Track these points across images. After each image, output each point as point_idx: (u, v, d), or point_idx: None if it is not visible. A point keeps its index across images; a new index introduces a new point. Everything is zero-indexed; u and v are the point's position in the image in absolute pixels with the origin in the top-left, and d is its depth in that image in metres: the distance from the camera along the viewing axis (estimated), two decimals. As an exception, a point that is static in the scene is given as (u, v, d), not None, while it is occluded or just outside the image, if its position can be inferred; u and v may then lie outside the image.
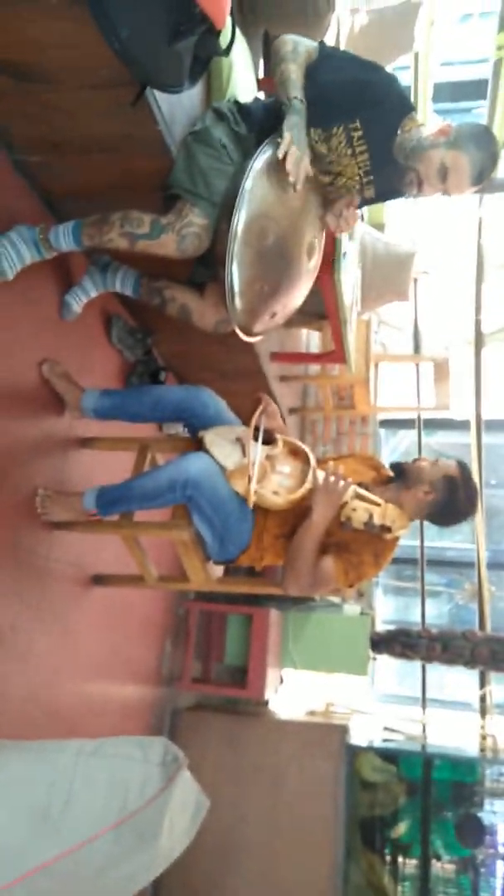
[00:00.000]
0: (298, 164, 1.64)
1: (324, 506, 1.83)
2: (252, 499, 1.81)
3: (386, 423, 4.70)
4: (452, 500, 1.90)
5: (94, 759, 1.37)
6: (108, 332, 2.45)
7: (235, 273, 1.65)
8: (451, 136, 1.70)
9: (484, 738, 3.52)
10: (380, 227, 3.96)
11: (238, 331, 1.80)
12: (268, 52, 2.58)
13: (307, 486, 1.85)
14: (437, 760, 3.29)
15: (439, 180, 1.71)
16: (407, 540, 2.01)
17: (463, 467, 1.94)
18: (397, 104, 1.75)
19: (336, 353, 2.81)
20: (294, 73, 1.72)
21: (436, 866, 3.21)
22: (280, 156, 1.63)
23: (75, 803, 1.30)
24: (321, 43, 1.81)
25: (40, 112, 1.67)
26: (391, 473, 2.03)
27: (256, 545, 1.99)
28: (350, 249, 2.53)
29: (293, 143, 1.64)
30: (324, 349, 3.34)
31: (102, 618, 2.46)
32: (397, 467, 1.97)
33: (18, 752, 1.42)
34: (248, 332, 1.84)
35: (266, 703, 3.55)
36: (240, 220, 1.61)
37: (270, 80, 2.44)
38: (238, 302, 1.70)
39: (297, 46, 1.75)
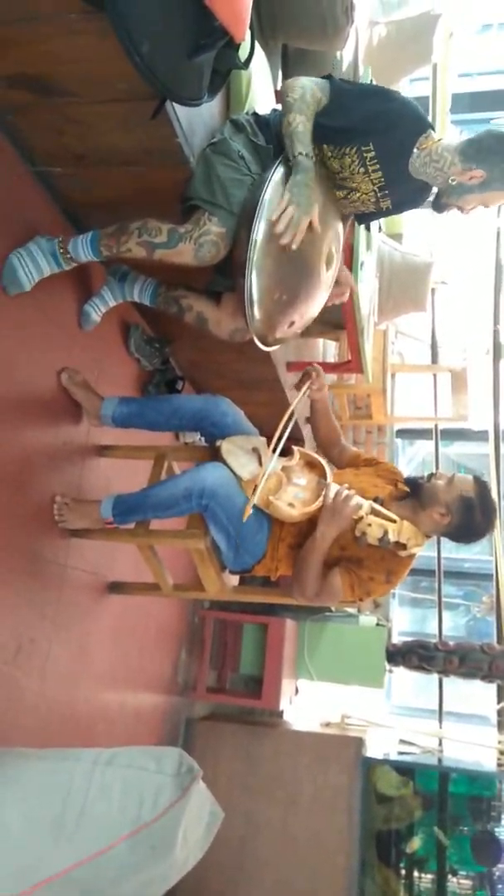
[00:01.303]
0: (296, 226, 1.65)
1: (328, 525, 1.82)
2: (252, 502, 1.79)
3: (403, 433, 4.69)
4: (469, 521, 1.87)
5: (110, 769, 1.37)
6: (126, 342, 2.47)
7: (254, 282, 1.66)
8: (484, 179, 1.73)
9: (502, 752, 3.48)
10: (397, 237, 3.96)
11: (256, 340, 1.80)
12: (286, 65, 2.60)
13: (322, 500, 1.84)
14: (453, 774, 3.25)
15: (479, 210, 1.83)
16: (424, 551, 1.98)
17: (480, 485, 1.88)
18: (411, 126, 1.75)
19: (353, 363, 2.80)
20: (301, 126, 1.69)
21: (451, 882, 3.16)
22: (273, 218, 1.64)
23: (90, 813, 1.30)
24: (330, 79, 1.79)
25: (61, 125, 1.69)
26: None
27: (272, 555, 1.98)
28: (368, 260, 2.53)
29: (291, 202, 1.64)
30: (340, 359, 3.34)
31: (118, 626, 2.46)
32: (413, 484, 1.93)
33: (35, 761, 1.42)
34: (266, 342, 1.84)
35: (281, 713, 3.53)
36: (260, 228, 1.62)
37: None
38: (256, 311, 1.70)
39: (305, 94, 1.71)
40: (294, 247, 1.67)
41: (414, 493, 1.91)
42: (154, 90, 1.47)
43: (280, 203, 1.65)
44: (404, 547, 1.80)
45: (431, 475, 1.91)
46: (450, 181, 1.75)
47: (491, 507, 1.88)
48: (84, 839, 1.28)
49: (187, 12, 1.40)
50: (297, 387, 2.04)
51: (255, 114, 1.87)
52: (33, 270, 1.80)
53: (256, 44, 1.78)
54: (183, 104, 1.57)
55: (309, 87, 1.73)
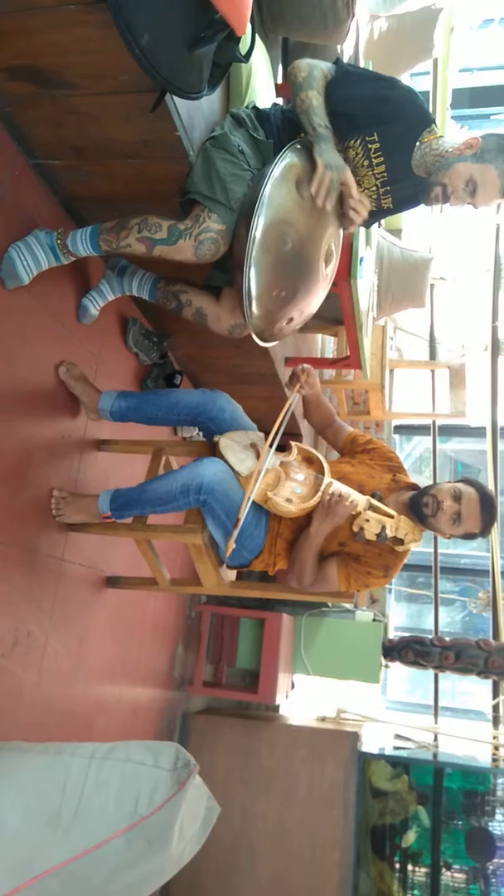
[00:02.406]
0: (336, 187, 1.66)
1: (321, 522, 1.83)
2: (247, 497, 1.79)
3: (401, 429, 4.69)
4: (471, 535, 1.91)
5: (106, 763, 1.37)
6: (125, 336, 2.46)
7: (253, 278, 1.65)
8: (477, 149, 1.70)
9: (496, 748, 3.50)
10: (396, 233, 3.96)
11: (254, 335, 1.80)
12: (287, 59, 2.59)
13: (319, 496, 1.84)
14: (448, 769, 3.27)
15: (467, 194, 1.72)
16: (420, 547, 1.99)
17: (483, 494, 1.87)
18: (416, 118, 1.75)
19: (351, 359, 2.80)
20: (315, 100, 1.70)
21: (445, 875, 3.18)
22: (313, 190, 1.65)
23: (87, 807, 1.30)
24: (338, 61, 1.80)
25: (61, 117, 1.69)
26: (408, 479, 2.02)
27: (270, 550, 1.99)
28: (367, 255, 2.52)
29: (325, 166, 1.65)
30: (339, 354, 3.33)
31: (115, 620, 2.46)
32: (419, 513, 1.87)
33: (32, 755, 1.42)
34: (265, 337, 1.84)
35: (277, 708, 3.55)
36: (259, 225, 1.61)
37: (289, 87, 2.45)
38: (255, 306, 1.70)
39: (313, 70, 1.72)
40: (329, 207, 1.68)
41: (418, 518, 1.88)
42: (154, 83, 1.47)
43: (316, 174, 1.65)
44: (402, 542, 1.81)
45: (438, 504, 1.85)
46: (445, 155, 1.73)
47: (492, 513, 1.88)
48: (80, 833, 1.28)
49: (188, 5, 1.39)
50: (288, 387, 2.03)
51: (255, 108, 1.86)
52: (31, 264, 1.79)
53: (257, 37, 1.77)
54: (183, 97, 1.56)
55: (316, 65, 1.74)
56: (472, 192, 1.71)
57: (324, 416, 2.14)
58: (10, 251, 1.77)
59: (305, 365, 2.01)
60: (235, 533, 1.78)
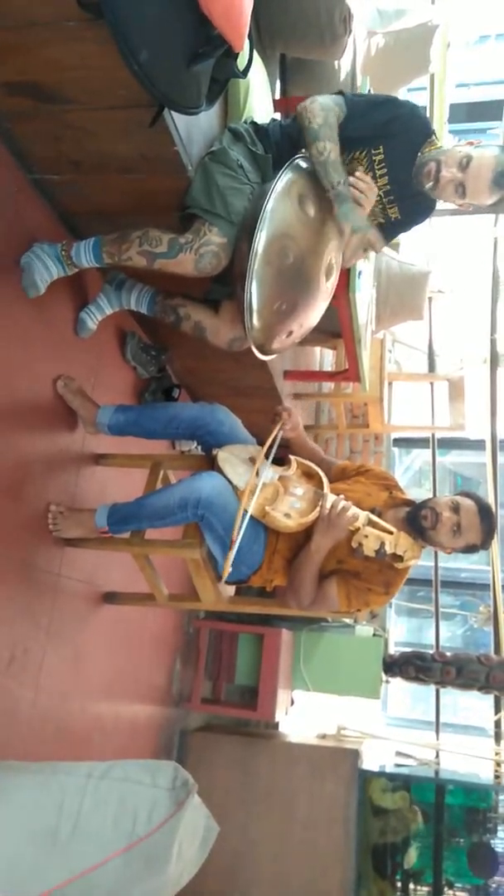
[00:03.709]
0: (367, 247, 1.76)
1: (323, 536, 1.81)
2: (242, 508, 1.77)
3: (399, 442, 4.68)
4: (471, 550, 1.90)
5: (104, 782, 1.35)
6: (123, 349, 2.46)
7: (254, 291, 1.65)
8: (478, 144, 1.74)
9: (498, 764, 3.46)
10: (395, 246, 3.96)
11: (254, 348, 1.79)
12: (285, 75, 2.61)
13: (318, 511, 1.82)
14: (449, 786, 3.23)
15: (459, 169, 1.70)
16: (421, 561, 1.97)
17: (481, 505, 1.85)
18: (418, 130, 1.78)
19: (350, 372, 2.80)
20: (333, 154, 1.70)
21: (448, 894, 3.14)
22: (345, 257, 1.79)
23: (84, 827, 1.28)
24: (342, 94, 1.81)
25: (60, 132, 1.69)
26: (405, 496, 2.01)
27: (268, 566, 1.97)
28: (365, 269, 2.53)
29: (353, 231, 1.72)
30: (338, 367, 3.34)
31: (113, 636, 2.44)
32: (416, 527, 1.86)
33: (29, 775, 1.40)
34: (264, 351, 1.84)
35: (276, 725, 3.51)
36: (261, 238, 1.61)
37: (286, 101, 2.46)
38: (255, 320, 1.70)
39: (329, 117, 1.71)
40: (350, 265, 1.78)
41: (417, 532, 1.87)
42: (152, 98, 1.47)
43: (344, 239, 1.73)
44: (401, 559, 1.79)
45: (437, 516, 1.84)
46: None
47: (491, 525, 1.86)
48: (78, 854, 1.26)
49: (186, 21, 1.40)
50: (271, 423, 1.98)
51: (253, 123, 1.87)
52: (45, 273, 1.82)
53: (255, 53, 1.78)
54: (181, 112, 1.57)
55: (330, 108, 1.73)
56: (464, 167, 1.70)
57: (309, 456, 2.10)
58: (26, 261, 1.79)
59: (288, 406, 1.98)
60: (231, 555, 1.74)
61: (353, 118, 1.76)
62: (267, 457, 1.88)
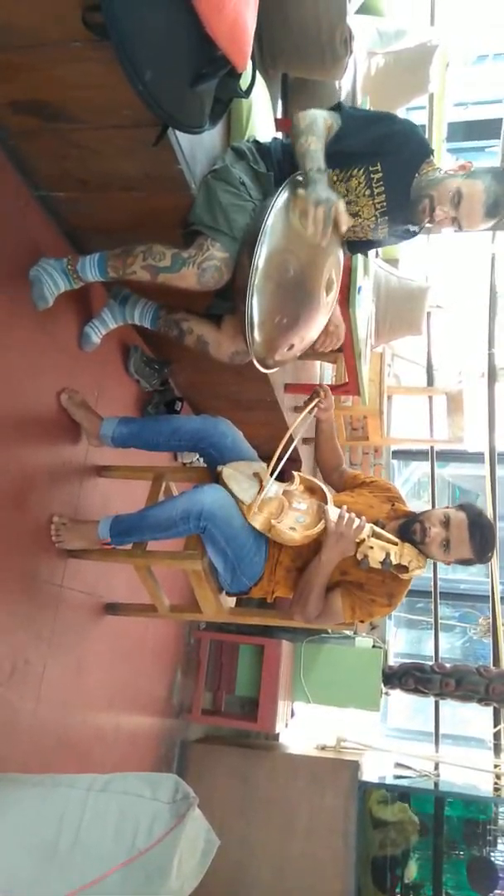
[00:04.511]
0: (329, 220, 1.63)
1: (332, 549, 1.82)
2: (254, 509, 1.82)
3: (399, 455, 4.70)
4: (468, 561, 1.90)
5: (104, 795, 1.35)
6: (126, 363, 2.48)
7: (255, 305, 1.67)
8: (470, 169, 1.74)
9: (498, 776, 3.45)
10: (394, 262, 4.00)
11: (256, 362, 1.81)
12: (287, 95, 2.65)
13: (323, 524, 1.84)
14: (449, 799, 3.22)
15: (452, 206, 1.72)
16: (419, 572, 1.98)
17: (473, 520, 1.84)
18: (416, 149, 1.79)
19: (350, 385, 2.82)
20: (314, 145, 1.71)
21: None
22: (310, 232, 1.64)
23: (84, 841, 1.28)
24: (340, 106, 1.84)
25: (65, 150, 1.72)
26: (406, 508, 2.02)
27: (269, 578, 1.98)
28: (365, 284, 2.56)
29: (317, 204, 1.62)
30: (338, 381, 3.36)
31: (114, 647, 2.45)
32: (409, 539, 1.86)
33: (29, 787, 1.40)
34: (266, 364, 1.86)
35: (277, 736, 3.50)
36: (262, 253, 1.63)
37: (288, 121, 2.49)
38: (257, 333, 1.72)
39: (317, 119, 1.74)
40: (325, 240, 1.67)
41: (411, 544, 1.87)
42: (156, 117, 1.50)
43: (307, 209, 1.63)
44: (406, 569, 1.80)
45: (425, 531, 1.84)
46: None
47: (488, 537, 1.86)
48: (78, 868, 1.26)
49: (190, 42, 1.43)
50: (301, 408, 2.04)
51: (255, 141, 1.90)
52: (53, 286, 1.85)
53: (257, 73, 1.81)
54: (185, 131, 1.59)
55: (320, 115, 1.76)
56: (456, 204, 1.72)
57: (334, 454, 2.17)
58: (35, 275, 1.82)
59: (325, 385, 2.04)
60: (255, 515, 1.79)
61: (350, 133, 1.78)
62: (277, 466, 1.90)
